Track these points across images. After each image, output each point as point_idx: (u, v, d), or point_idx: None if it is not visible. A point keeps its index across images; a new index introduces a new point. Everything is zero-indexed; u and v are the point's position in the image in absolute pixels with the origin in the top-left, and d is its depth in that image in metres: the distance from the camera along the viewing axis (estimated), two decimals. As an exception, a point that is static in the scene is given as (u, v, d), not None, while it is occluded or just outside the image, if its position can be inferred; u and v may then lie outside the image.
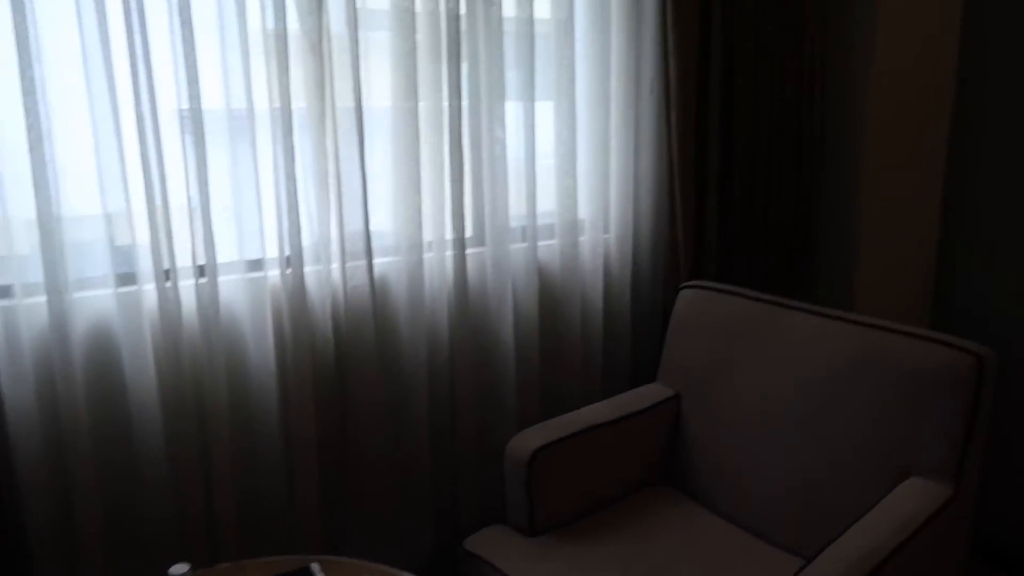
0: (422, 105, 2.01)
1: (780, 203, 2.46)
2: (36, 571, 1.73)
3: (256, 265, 1.91)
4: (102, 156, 1.70)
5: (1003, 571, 2.46)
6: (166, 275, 1.79)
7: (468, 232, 2.16)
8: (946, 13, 2.46)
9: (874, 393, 1.75)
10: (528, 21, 2.11)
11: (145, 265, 1.78)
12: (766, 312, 2.02)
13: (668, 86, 2.26)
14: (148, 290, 1.79)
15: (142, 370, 1.78)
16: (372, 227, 2.00)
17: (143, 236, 1.76)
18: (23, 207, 1.66)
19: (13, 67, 1.59)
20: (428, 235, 2.10)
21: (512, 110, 2.16)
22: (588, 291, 2.35)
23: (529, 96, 2.16)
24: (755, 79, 2.35)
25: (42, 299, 1.68)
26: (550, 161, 2.28)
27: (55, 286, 1.68)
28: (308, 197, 1.93)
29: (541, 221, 2.26)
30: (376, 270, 2.03)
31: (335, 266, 1.99)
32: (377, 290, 2.04)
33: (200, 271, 1.83)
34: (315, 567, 1.58)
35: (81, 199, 1.72)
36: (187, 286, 1.83)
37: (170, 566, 1.33)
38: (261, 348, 1.90)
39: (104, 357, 1.78)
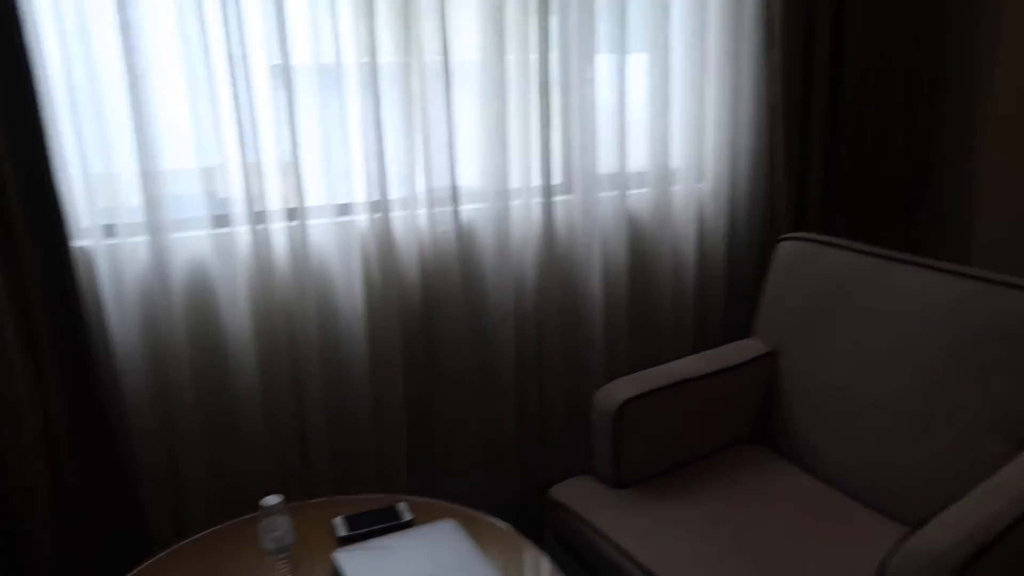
0: (510, 58, 1.97)
1: (891, 150, 2.29)
2: (145, 498, 1.81)
3: (345, 209, 1.92)
4: (198, 110, 1.73)
5: None
6: (258, 217, 1.81)
7: (556, 180, 2.11)
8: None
9: (995, 357, 1.61)
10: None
11: (238, 208, 1.80)
12: (873, 266, 1.89)
13: (772, 22, 2.12)
14: (241, 232, 1.82)
15: (237, 309, 1.81)
16: (458, 174, 1.98)
17: (237, 180, 1.78)
18: (127, 162, 1.71)
19: (116, 32, 1.63)
20: (515, 182, 2.06)
21: (603, 60, 2.08)
22: (680, 242, 2.27)
23: (621, 46, 2.08)
24: (866, 13, 2.18)
25: (143, 239, 1.73)
26: (642, 108, 2.19)
27: (155, 226, 1.72)
28: (395, 144, 1.92)
29: (632, 169, 2.18)
30: (462, 216, 2.01)
31: (421, 212, 1.97)
32: (463, 237, 2.02)
33: (291, 214, 1.85)
34: (402, 506, 1.60)
35: (179, 151, 1.76)
36: (278, 229, 1.85)
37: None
38: (350, 291, 1.92)
39: (201, 296, 1.82)
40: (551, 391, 2.16)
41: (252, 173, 1.78)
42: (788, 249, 2.07)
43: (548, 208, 2.07)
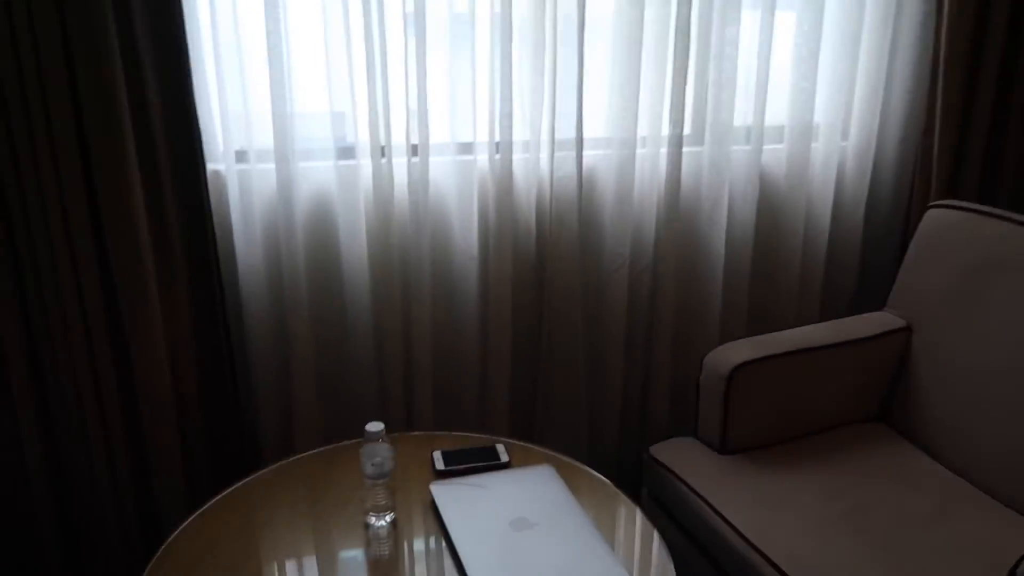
0: (648, 12, 1.87)
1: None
2: (258, 419, 1.91)
3: (466, 148, 1.91)
4: (331, 54, 1.76)
5: None
6: (382, 152, 1.83)
7: (686, 130, 2.00)
8: None
9: None
10: None
11: (363, 140, 1.82)
12: (1036, 241, 1.70)
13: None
14: (365, 165, 1.84)
15: (355, 240, 1.85)
16: (584, 118, 1.91)
17: (363, 116, 1.79)
18: (261, 98, 1.75)
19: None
20: (643, 130, 1.97)
21: (748, 14, 1.94)
22: (815, 203, 2.12)
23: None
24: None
25: (272, 166, 1.78)
26: (787, 57, 2.04)
27: (283, 155, 1.77)
28: (522, 87, 1.87)
29: (770, 123, 2.04)
30: (585, 162, 1.94)
31: (544, 155, 1.93)
32: (584, 183, 1.96)
33: (413, 150, 1.85)
34: (500, 447, 1.60)
35: (310, 90, 1.78)
36: (400, 164, 1.85)
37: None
38: (465, 230, 1.91)
39: (322, 225, 1.87)
40: (660, 348, 2.10)
41: (379, 111, 1.78)
42: (936, 217, 1.89)
43: (675, 159, 1.98)
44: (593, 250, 2.02)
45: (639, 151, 1.98)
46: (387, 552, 1.36)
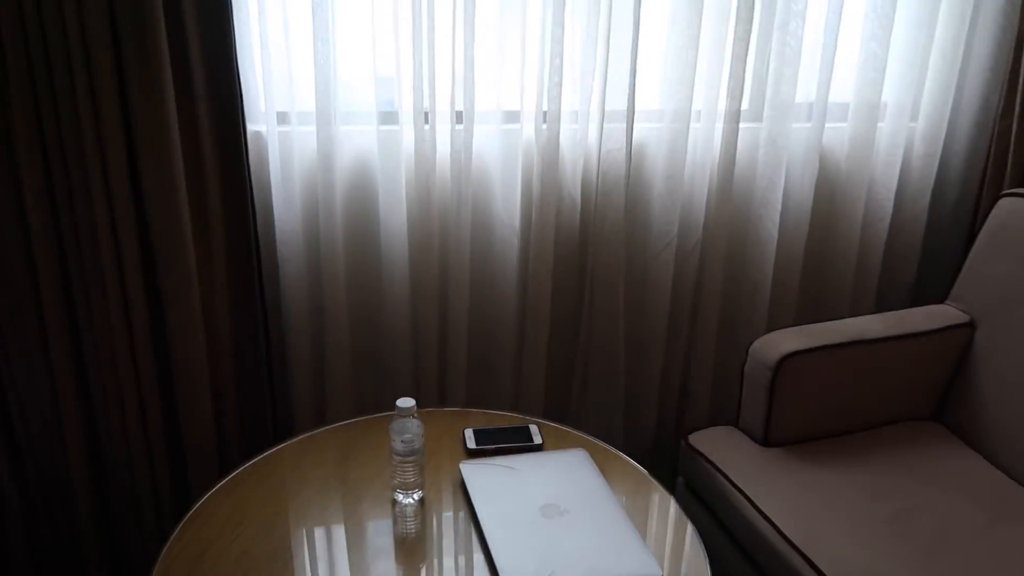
0: None
1: None
2: (292, 386, 1.89)
3: (512, 117, 1.84)
4: (376, 9, 1.69)
5: None
6: (425, 117, 1.77)
7: (744, 104, 1.90)
8: None
9: None
10: None
11: (407, 106, 1.77)
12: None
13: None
14: (407, 131, 1.78)
15: (395, 207, 1.80)
16: (637, 88, 1.82)
17: (407, 80, 1.74)
18: (305, 58, 1.70)
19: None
20: (698, 103, 1.88)
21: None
22: (877, 187, 2.01)
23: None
24: None
25: (313, 129, 1.74)
26: (857, 30, 1.92)
27: (325, 117, 1.72)
28: (573, 53, 1.80)
29: (833, 100, 1.93)
30: (635, 135, 1.86)
31: (592, 126, 1.85)
32: (633, 157, 1.88)
33: (458, 117, 1.79)
34: (533, 428, 1.56)
35: (353, 43, 1.73)
36: (444, 130, 1.80)
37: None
38: (508, 201, 1.85)
39: (362, 190, 1.83)
40: (704, 332, 2.02)
41: (424, 76, 1.72)
42: (1009, 207, 1.77)
43: (731, 135, 1.88)
44: (639, 228, 1.94)
45: (693, 125, 1.89)
46: (413, 532, 1.33)
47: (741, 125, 1.89)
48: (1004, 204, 1.78)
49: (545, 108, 1.81)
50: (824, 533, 1.43)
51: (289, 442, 1.53)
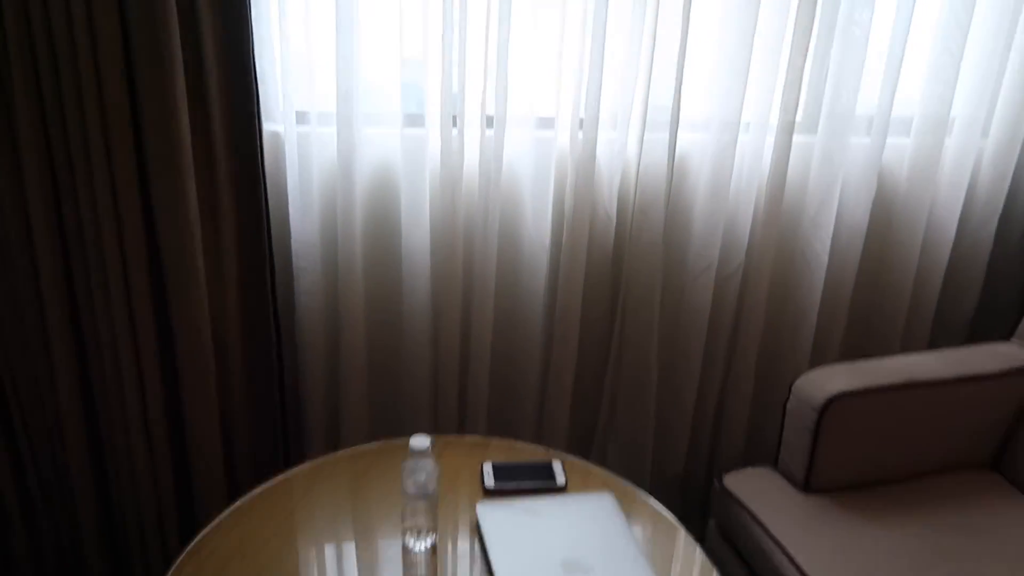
0: None
1: None
2: (305, 405, 1.79)
3: (547, 123, 1.71)
4: (404, 3, 1.58)
5: None
6: (453, 121, 1.65)
7: (798, 115, 1.75)
8: None
9: None
10: None
11: (434, 108, 1.65)
12: None
13: None
14: (434, 135, 1.67)
15: (417, 218, 1.69)
16: (683, 95, 1.69)
17: (435, 77, 1.62)
18: (326, 48, 1.59)
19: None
20: (748, 113, 1.74)
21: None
22: (940, 210, 1.85)
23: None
24: None
25: (333, 130, 1.63)
26: (927, 36, 1.76)
27: (347, 119, 1.61)
28: (615, 51, 1.66)
29: (897, 112, 1.78)
30: (678, 146, 1.72)
31: (632, 135, 1.72)
32: (676, 170, 1.74)
33: (488, 122, 1.67)
34: (557, 466, 1.45)
35: (379, 39, 1.62)
36: (473, 136, 1.68)
37: (420, 432, 1.25)
38: (538, 216, 1.73)
39: (384, 198, 1.72)
40: (743, 364, 1.88)
41: (454, 75, 1.60)
42: (1090, 242, 1.62)
43: (783, 149, 1.74)
44: (678, 247, 1.81)
45: (741, 137, 1.75)
46: (423, 583, 1.23)
47: (794, 138, 1.75)
48: (1082, 237, 1.63)
49: (582, 115, 1.68)
50: (870, 601, 1.31)
51: (300, 468, 1.44)
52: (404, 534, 1.27)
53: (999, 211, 1.86)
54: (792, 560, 1.40)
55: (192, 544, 1.25)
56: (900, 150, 1.83)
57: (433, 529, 1.27)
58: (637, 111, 1.70)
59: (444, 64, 1.59)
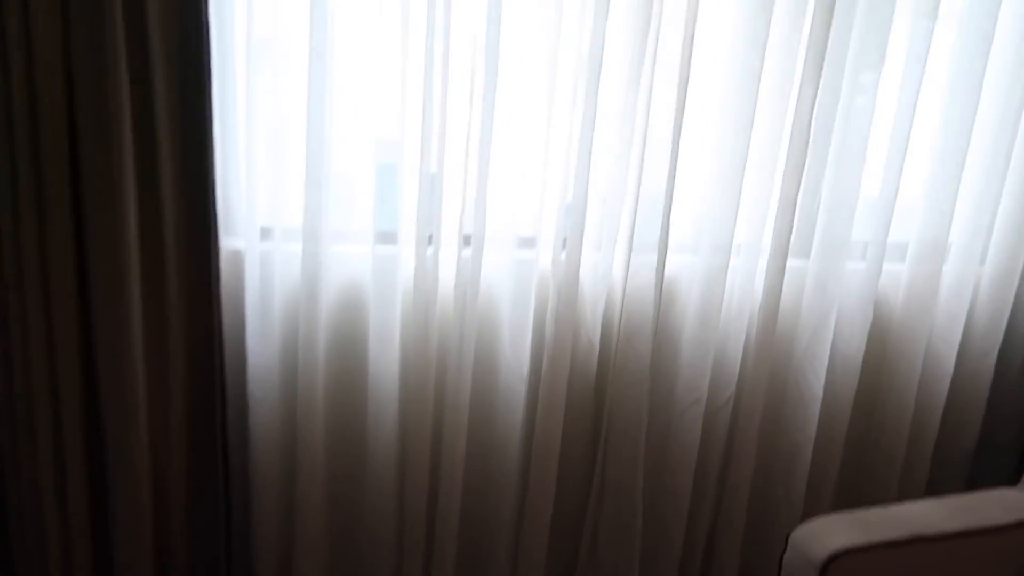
0: (762, 99, 1.56)
1: None
2: (255, 559, 1.63)
3: (528, 243, 1.61)
4: (379, 117, 1.50)
5: None
6: (428, 239, 1.54)
7: (792, 238, 1.67)
8: None
9: None
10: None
11: (408, 225, 1.54)
12: None
13: None
14: (407, 253, 1.56)
15: (387, 343, 1.56)
16: (672, 216, 1.60)
17: (411, 193, 1.52)
18: (294, 152, 1.49)
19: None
20: (740, 235, 1.65)
21: (885, 88, 1.62)
22: (937, 341, 1.77)
23: (914, 78, 1.60)
24: None
25: (298, 247, 1.51)
26: (925, 159, 1.71)
27: (314, 234, 1.49)
28: (602, 169, 1.58)
29: (893, 237, 1.70)
30: (667, 271, 1.63)
31: (619, 258, 1.63)
32: (664, 295, 1.64)
33: (466, 240, 1.56)
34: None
35: (352, 151, 1.53)
36: (449, 256, 1.57)
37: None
38: (517, 344, 1.61)
39: (351, 322, 1.59)
40: (733, 507, 1.75)
41: (430, 191, 1.51)
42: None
43: (776, 273, 1.65)
44: (665, 378, 1.69)
45: (733, 260, 1.66)
46: None
47: (788, 262, 1.66)
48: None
49: (565, 234, 1.58)
50: None
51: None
52: None
53: (999, 343, 1.78)
54: None
55: None
56: (896, 276, 1.76)
57: None
58: (624, 232, 1.61)
59: (421, 179, 1.50)
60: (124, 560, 1.45)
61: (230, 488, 1.54)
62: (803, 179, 1.63)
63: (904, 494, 1.79)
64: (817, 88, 1.57)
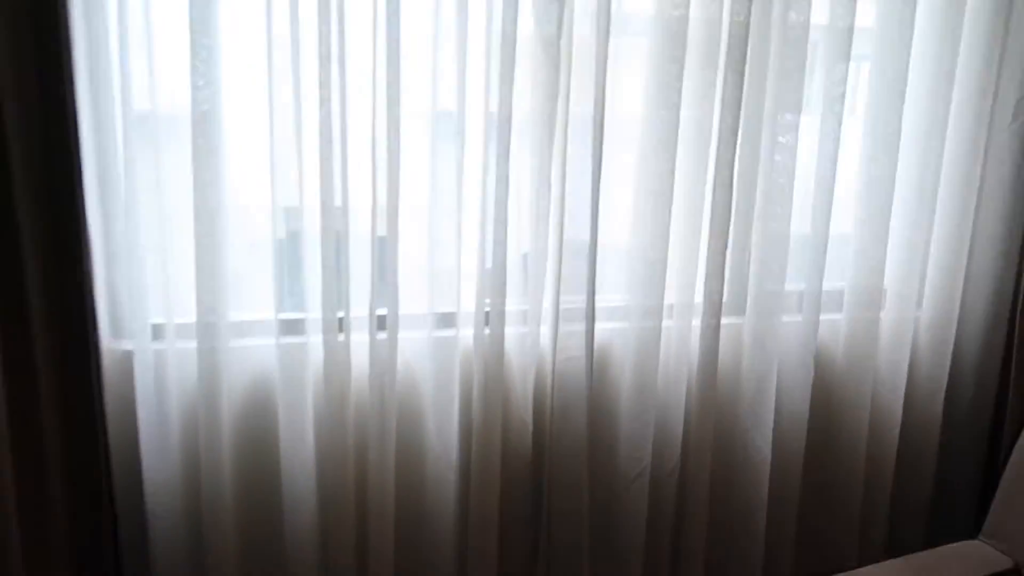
0: (680, 156, 1.51)
1: None
2: None
3: (447, 320, 1.50)
4: (277, 196, 1.39)
5: None
6: (339, 325, 1.43)
7: (724, 296, 1.60)
8: None
9: None
10: (845, 31, 1.52)
11: (314, 312, 1.42)
12: None
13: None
14: (315, 342, 1.43)
15: (299, 441, 1.44)
16: (598, 281, 1.52)
17: (314, 277, 1.41)
18: (183, 237, 1.37)
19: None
20: (671, 295, 1.58)
21: (806, 135, 1.58)
22: (882, 390, 1.71)
23: (833, 122, 1.57)
24: None
25: (194, 344, 1.38)
26: (851, 204, 1.67)
27: (210, 329, 1.37)
28: (521, 235, 1.50)
29: (827, 286, 1.65)
30: (597, 338, 1.54)
31: (545, 329, 1.53)
32: (595, 365, 1.55)
33: (379, 323, 1.45)
34: None
35: (246, 235, 1.42)
36: (361, 341, 1.45)
37: None
38: (442, 430, 1.50)
39: (257, 424, 1.46)
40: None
41: (336, 273, 1.40)
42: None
43: (712, 334, 1.57)
44: (605, 452, 1.59)
45: (666, 322, 1.58)
46: None
47: (722, 320, 1.59)
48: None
49: (487, 308, 1.48)
50: None
51: None
52: None
53: (944, 386, 1.73)
54: None
55: None
56: (834, 326, 1.70)
57: None
58: (548, 300, 1.52)
59: (324, 256, 1.39)
60: None
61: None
62: (730, 233, 1.57)
63: (864, 551, 1.71)
64: (736, 140, 1.52)
